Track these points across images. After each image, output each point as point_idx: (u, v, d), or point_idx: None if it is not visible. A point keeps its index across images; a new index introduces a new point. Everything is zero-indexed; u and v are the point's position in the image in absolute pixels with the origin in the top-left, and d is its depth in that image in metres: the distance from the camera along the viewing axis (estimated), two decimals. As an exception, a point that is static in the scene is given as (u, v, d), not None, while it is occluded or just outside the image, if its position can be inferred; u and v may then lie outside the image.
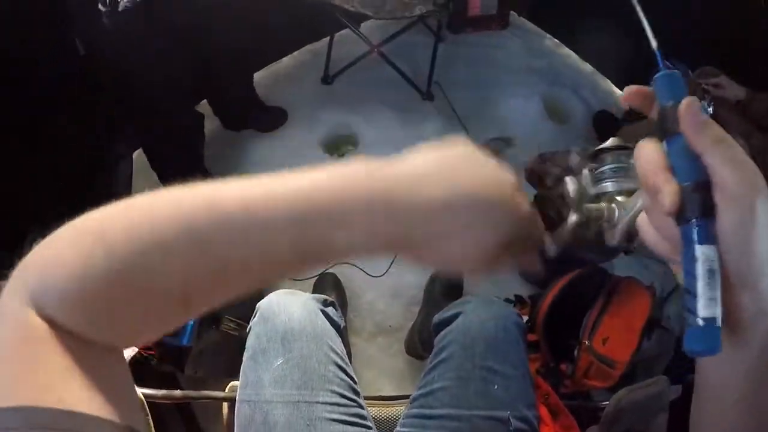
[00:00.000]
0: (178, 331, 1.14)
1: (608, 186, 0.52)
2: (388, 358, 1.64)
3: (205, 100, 1.97)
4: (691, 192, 0.34)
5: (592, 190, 0.57)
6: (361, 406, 0.87)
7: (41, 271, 0.35)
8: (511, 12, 2.50)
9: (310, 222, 0.36)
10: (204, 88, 1.90)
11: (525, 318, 1.48)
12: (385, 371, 1.62)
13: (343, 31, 2.18)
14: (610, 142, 0.53)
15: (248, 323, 0.92)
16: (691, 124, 0.35)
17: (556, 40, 2.51)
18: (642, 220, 0.39)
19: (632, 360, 1.35)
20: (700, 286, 0.34)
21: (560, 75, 2.35)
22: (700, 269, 0.34)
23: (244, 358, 0.88)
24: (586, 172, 0.59)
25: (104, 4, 1.27)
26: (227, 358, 1.55)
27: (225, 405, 0.98)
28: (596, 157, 0.54)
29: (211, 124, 2.00)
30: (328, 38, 2.16)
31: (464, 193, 0.39)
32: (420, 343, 1.49)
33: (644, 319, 1.38)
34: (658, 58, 0.40)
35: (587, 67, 2.43)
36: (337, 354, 0.89)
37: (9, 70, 1.22)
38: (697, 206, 0.34)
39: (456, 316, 0.94)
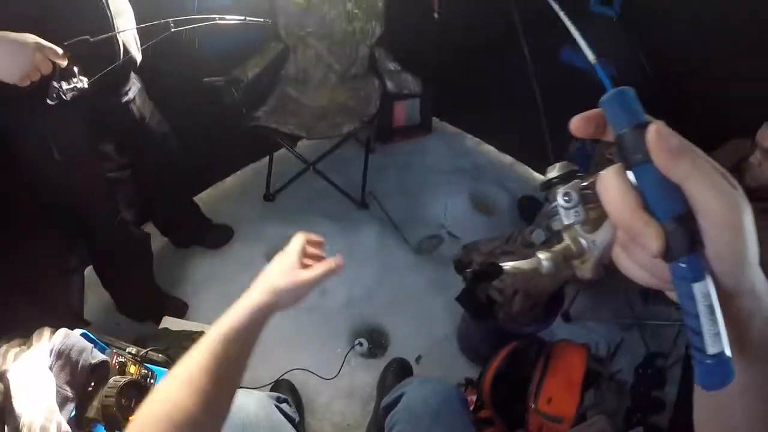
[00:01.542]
0: None
1: (566, 218, 0.45)
2: None
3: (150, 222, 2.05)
4: (675, 228, 0.32)
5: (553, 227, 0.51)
6: None
7: None
8: (434, 118, 2.78)
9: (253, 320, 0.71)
10: (150, 209, 1.97)
11: (475, 397, 1.60)
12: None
13: (281, 151, 2.37)
14: (557, 169, 0.47)
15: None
16: (665, 153, 0.32)
17: (476, 138, 2.78)
18: (618, 254, 0.38)
19: (579, 412, 1.46)
20: (704, 323, 0.33)
21: (483, 170, 2.58)
22: (701, 308, 0.33)
23: None
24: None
25: (51, 98, 1.25)
26: None
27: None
28: (548, 190, 0.49)
29: (161, 242, 2.10)
30: (267, 157, 2.33)
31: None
32: (379, 435, 1.55)
33: (581, 373, 1.52)
34: (601, 76, 0.37)
35: (507, 159, 2.68)
36: None
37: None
38: (684, 243, 0.32)
39: (400, 397, 1.03)
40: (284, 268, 0.77)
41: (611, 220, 0.35)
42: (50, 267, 1.64)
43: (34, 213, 1.53)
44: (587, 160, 1.98)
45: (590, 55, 0.39)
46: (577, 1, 2.04)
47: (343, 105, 2.31)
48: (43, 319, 1.27)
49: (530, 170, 2.62)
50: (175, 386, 0.63)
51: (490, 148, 2.75)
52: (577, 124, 0.37)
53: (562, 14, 0.46)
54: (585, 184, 0.45)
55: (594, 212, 0.43)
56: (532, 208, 2.33)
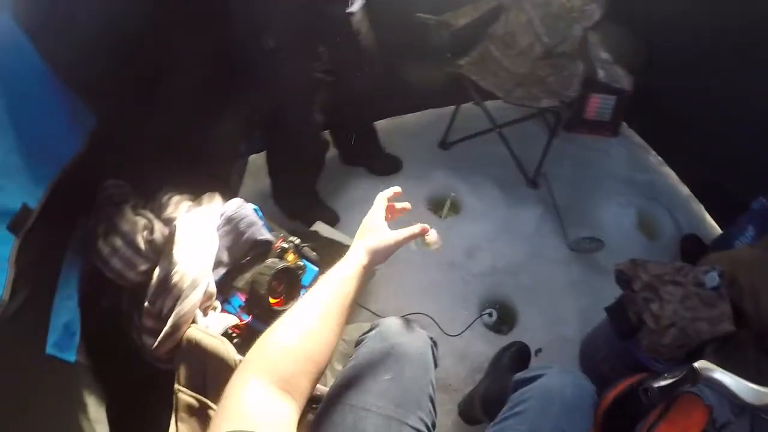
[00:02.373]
0: (271, 321, 1.21)
1: None
2: (440, 413, 1.65)
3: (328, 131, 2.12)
4: None
5: None
6: None
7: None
8: (623, 123, 2.63)
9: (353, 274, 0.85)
10: (332, 119, 2.02)
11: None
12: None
13: (467, 105, 2.34)
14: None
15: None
16: None
17: (660, 157, 2.59)
18: None
19: None
20: None
21: (658, 192, 2.42)
22: None
23: (348, 364, 0.95)
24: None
25: None
26: None
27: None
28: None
29: (331, 153, 2.15)
30: (453, 107, 2.32)
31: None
32: (481, 408, 1.55)
33: None
34: None
35: (684, 190, 2.48)
36: (432, 388, 0.96)
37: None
38: None
39: (538, 376, 1.02)
40: (373, 227, 0.90)
41: None
42: (220, 149, 1.68)
43: (220, 96, 1.55)
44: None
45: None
46: None
47: (542, 79, 2.23)
48: (205, 189, 1.33)
49: (704, 211, 2.41)
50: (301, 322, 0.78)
51: (670, 172, 2.55)
52: None
53: None
54: None
55: None
56: (695, 249, 2.16)
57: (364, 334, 1.02)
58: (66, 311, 1.06)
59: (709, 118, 2.12)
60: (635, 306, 1.58)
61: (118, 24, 1.10)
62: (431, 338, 1.06)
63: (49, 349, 0.99)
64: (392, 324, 0.98)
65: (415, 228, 0.92)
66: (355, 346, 1.01)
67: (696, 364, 1.21)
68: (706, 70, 2.10)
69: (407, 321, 1.02)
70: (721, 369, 1.17)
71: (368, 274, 0.87)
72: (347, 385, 0.89)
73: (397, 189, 1.01)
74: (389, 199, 0.98)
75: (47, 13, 1.04)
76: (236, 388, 0.67)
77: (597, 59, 2.38)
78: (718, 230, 2.25)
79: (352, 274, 0.84)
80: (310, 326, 0.76)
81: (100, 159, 1.20)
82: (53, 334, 1.01)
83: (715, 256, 1.75)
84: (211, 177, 1.54)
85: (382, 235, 0.89)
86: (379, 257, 0.88)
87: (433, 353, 1.04)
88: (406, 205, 1.02)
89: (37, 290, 0.98)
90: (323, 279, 0.83)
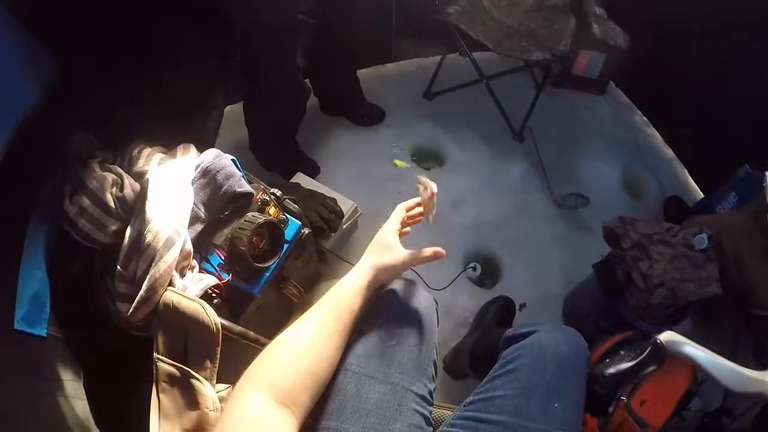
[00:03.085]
0: (253, 279, 1.15)
1: None
2: None
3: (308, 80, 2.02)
4: None
5: None
6: (432, 405, 0.90)
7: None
8: (610, 81, 2.58)
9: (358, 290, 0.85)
10: (313, 67, 1.93)
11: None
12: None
13: (452, 55, 2.27)
14: None
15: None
16: None
17: (645, 117, 2.57)
18: None
19: (664, 428, 1.37)
20: None
21: (643, 152, 2.40)
22: None
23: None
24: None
25: None
26: (278, 321, 1.58)
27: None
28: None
29: (311, 102, 2.05)
30: (438, 57, 2.24)
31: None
32: (469, 363, 1.52)
33: (683, 390, 1.40)
34: None
35: (669, 152, 2.47)
36: (436, 352, 0.93)
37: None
38: None
39: (530, 333, 0.97)
40: (383, 244, 0.90)
41: None
42: (198, 96, 1.61)
43: (194, 41, 1.45)
44: (753, 186, 1.79)
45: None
46: None
47: (533, 32, 2.15)
48: (178, 140, 1.23)
49: (687, 174, 2.40)
50: (303, 336, 0.77)
51: (655, 134, 2.53)
52: None
53: None
54: None
55: None
56: (678, 211, 2.17)
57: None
58: (33, 281, 0.98)
59: (697, 82, 2.10)
60: (623, 264, 1.55)
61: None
62: (434, 299, 1.02)
63: (18, 325, 0.92)
64: (396, 287, 0.94)
65: (428, 252, 0.91)
66: None
67: (662, 337, 1.18)
68: (697, 34, 2.08)
69: (412, 283, 0.98)
70: (692, 343, 1.15)
71: (373, 290, 0.88)
72: (350, 350, 0.86)
73: (417, 199, 1.00)
74: (408, 209, 0.98)
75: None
76: (236, 401, 0.67)
77: (592, 14, 2.30)
78: (700, 194, 2.25)
79: (355, 290, 0.84)
80: (311, 341, 0.76)
81: (63, 111, 1.09)
82: (21, 308, 0.93)
83: (700, 218, 1.74)
84: (186, 127, 1.44)
85: (390, 254, 0.89)
86: (385, 275, 0.89)
87: (437, 313, 1.00)
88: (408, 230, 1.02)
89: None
90: (327, 293, 0.83)
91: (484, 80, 2.10)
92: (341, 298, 0.82)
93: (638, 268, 1.50)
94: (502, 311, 1.72)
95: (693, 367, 1.50)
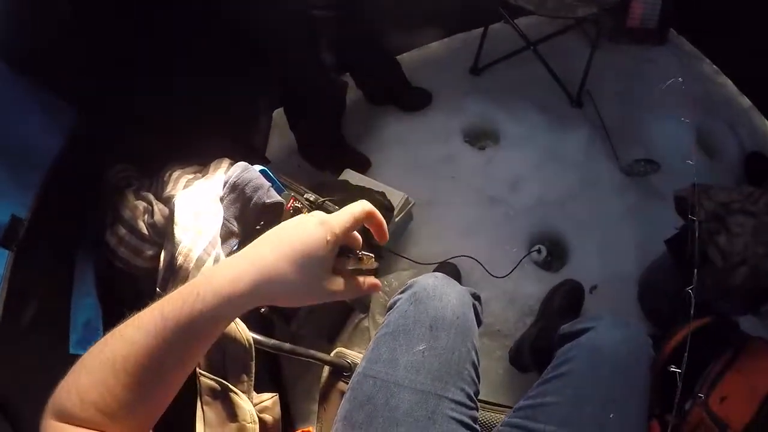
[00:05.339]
0: None
1: None
2: (489, 361, 1.60)
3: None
4: None
5: None
6: (477, 409, 0.85)
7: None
8: (671, 29, 2.37)
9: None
10: (346, 59, 1.91)
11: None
12: (482, 374, 1.61)
13: (496, 25, 2.15)
14: None
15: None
16: None
17: (714, 66, 2.35)
18: None
19: (747, 429, 1.23)
20: None
21: (715, 105, 2.19)
22: None
23: (379, 332, 0.87)
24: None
25: None
26: (331, 323, 1.57)
27: (326, 369, 0.99)
28: None
29: (355, 95, 2.04)
30: (481, 29, 2.13)
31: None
32: (531, 357, 1.45)
33: None
34: None
35: (745, 101, 2.26)
36: (475, 353, 0.87)
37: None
38: None
39: (586, 330, 0.89)
40: (313, 275, 0.54)
41: None
42: (240, 106, 1.65)
43: (231, 53, 1.49)
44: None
45: None
46: None
47: (577, -14, 1.99)
48: (225, 154, 1.26)
49: (769, 124, 2.18)
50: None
51: (728, 82, 2.31)
52: None
53: None
54: None
55: None
56: (762, 168, 1.99)
57: (397, 294, 0.93)
58: (85, 309, 1.07)
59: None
60: (698, 240, 1.41)
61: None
62: (473, 294, 0.97)
63: (72, 349, 1.00)
64: (427, 285, 0.89)
65: (368, 285, 0.60)
66: (387, 311, 0.92)
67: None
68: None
69: (444, 278, 0.92)
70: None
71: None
72: (378, 357, 0.82)
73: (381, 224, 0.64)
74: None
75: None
76: None
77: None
78: (786, 145, 2.04)
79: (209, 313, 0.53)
80: (104, 380, 0.50)
81: (91, 151, 1.16)
82: (75, 333, 1.01)
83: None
84: (234, 140, 1.50)
85: (319, 290, 0.57)
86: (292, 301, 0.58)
87: (476, 311, 0.94)
88: None
89: (50, 296, 0.99)
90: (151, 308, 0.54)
91: (531, 46, 1.98)
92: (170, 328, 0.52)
93: (715, 244, 1.36)
94: (569, 297, 1.62)
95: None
